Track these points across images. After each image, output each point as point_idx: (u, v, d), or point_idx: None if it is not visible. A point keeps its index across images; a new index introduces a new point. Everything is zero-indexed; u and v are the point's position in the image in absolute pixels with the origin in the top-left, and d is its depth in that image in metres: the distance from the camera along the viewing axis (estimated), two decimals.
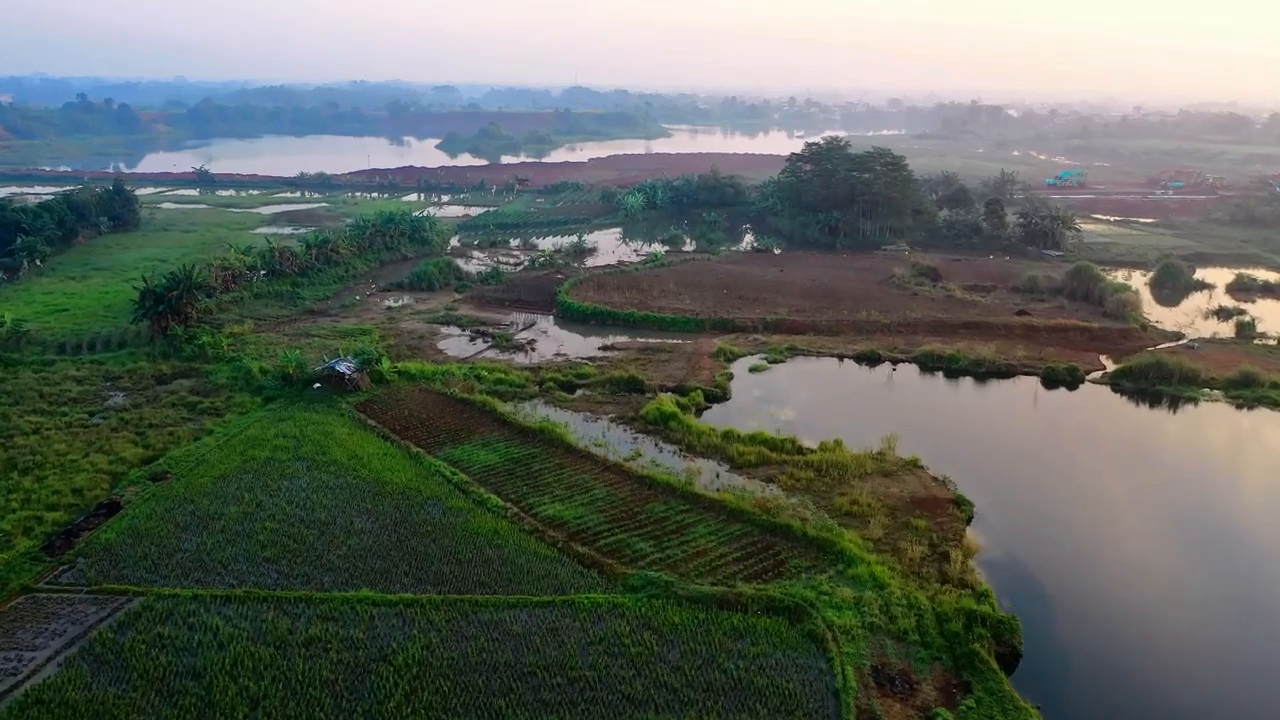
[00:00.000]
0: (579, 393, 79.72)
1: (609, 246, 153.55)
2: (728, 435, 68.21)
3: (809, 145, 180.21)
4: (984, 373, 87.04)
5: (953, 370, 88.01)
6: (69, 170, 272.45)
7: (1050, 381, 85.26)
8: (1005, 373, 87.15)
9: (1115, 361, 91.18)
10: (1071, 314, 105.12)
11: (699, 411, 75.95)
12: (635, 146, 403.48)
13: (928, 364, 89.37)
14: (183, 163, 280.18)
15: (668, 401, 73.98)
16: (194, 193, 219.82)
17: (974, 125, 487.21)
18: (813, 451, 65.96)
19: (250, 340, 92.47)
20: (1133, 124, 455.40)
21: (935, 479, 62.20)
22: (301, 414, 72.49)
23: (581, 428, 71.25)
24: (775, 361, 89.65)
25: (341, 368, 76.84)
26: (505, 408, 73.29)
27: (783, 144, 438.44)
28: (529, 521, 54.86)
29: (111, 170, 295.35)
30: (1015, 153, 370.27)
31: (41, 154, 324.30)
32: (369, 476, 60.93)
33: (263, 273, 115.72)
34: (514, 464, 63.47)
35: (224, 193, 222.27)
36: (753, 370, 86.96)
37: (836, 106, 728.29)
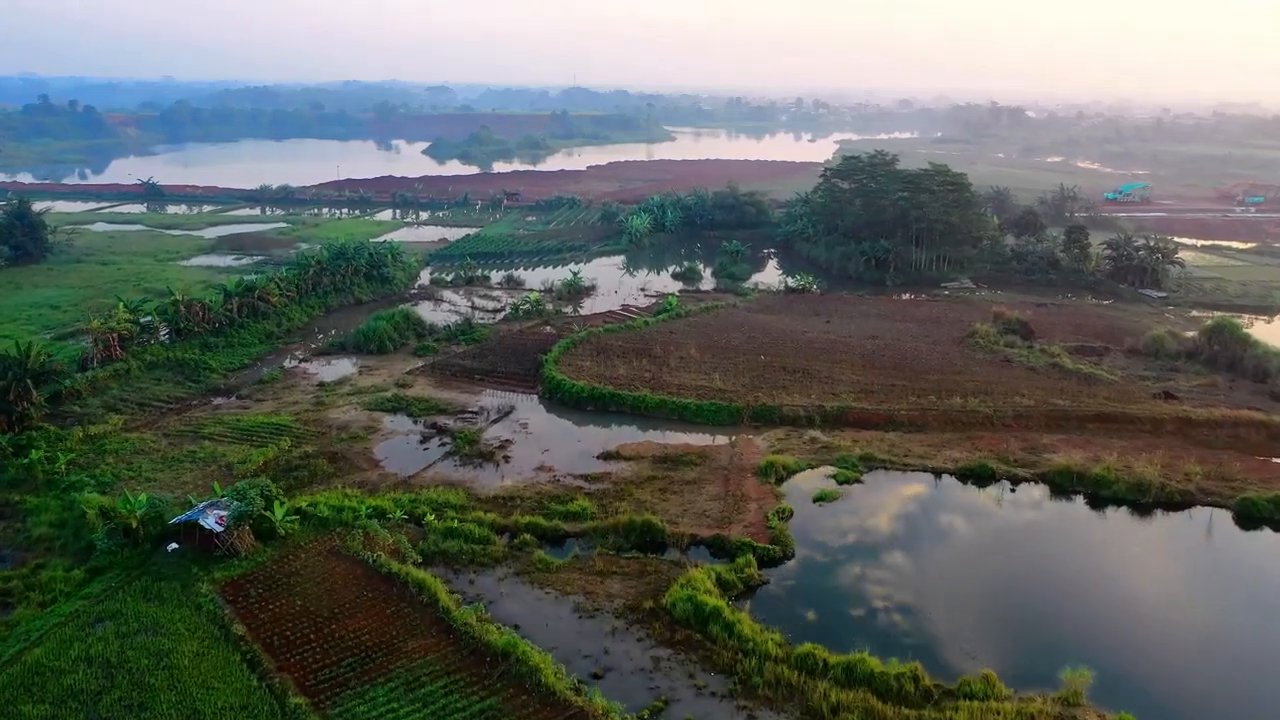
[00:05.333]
0: (569, 550, 53.65)
1: (610, 282, 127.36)
2: (807, 664, 42.10)
3: (846, 159, 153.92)
4: (1148, 504, 60.96)
5: (1100, 497, 62.00)
6: (15, 181, 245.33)
7: (1247, 519, 59.29)
8: (1178, 503, 61.06)
9: None
10: (1227, 394, 79.18)
11: (750, 588, 49.98)
12: (637, 152, 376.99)
13: (1063, 485, 63.28)
14: (153, 170, 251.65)
15: (704, 585, 47.87)
16: (139, 209, 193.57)
17: (995, 128, 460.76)
18: (950, 701, 39.99)
19: (112, 448, 66.22)
20: (1167, 127, 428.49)
21: None
22: (136, 607, 46.54)
23: (571, 634, 45.31)
24: (847, 481, 63.54)
25: (208, 522, 50.80)
26: (452, 599, 47.10)
27: (795, 149, 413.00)
28: None
29: (77, 178, 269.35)
30: (1050, 159, 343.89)
31: None
32: None
33: (164, 333, 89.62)
34: None
35: (174, 208, 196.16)
36: (819, 500, 60.80)
37: (846, 108, 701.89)
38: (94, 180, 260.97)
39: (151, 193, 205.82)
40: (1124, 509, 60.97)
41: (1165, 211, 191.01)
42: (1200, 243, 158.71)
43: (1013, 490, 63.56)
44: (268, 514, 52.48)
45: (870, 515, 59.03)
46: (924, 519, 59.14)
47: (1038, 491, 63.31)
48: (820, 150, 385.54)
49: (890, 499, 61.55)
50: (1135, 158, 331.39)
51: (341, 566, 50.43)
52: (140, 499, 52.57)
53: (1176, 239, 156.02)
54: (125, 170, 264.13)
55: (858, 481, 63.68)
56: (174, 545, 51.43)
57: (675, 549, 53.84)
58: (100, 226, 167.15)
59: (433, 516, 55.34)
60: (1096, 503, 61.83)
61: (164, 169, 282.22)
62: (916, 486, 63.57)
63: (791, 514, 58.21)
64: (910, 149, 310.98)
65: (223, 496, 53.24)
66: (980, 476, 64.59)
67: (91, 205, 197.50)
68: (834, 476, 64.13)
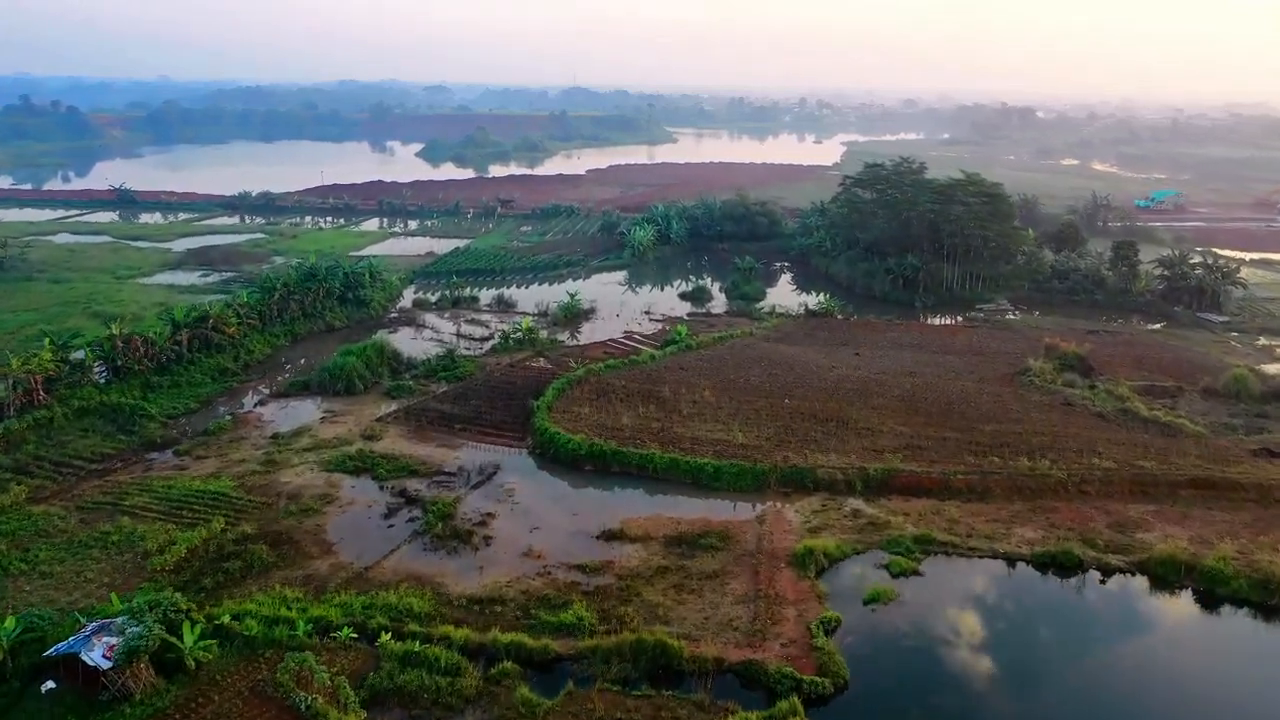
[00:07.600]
0: (562, 680, 42.04)
1: (611, 303, 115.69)
2: None
3: (869, 166, 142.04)
4: (1276, 606, 49.48)
5: (1216, 594, 50.55)
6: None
7: None
8: None
9: None
10: None
11: None
12: (638, 154, 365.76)
13: (1165, 579, 51.78)
14: (137, 173, 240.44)
15: None
16: (109, 217, 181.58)
17: (1005, 129, 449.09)
18: None
19: (8, 528, 54.67)
20: (1183, 128, 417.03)
21: None
22: None
23: None
24: (903, 572, 52.05)
25: (93, 655, 39.34)
26: None
27: (800, 150, 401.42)
28: None
29: (59, 181, 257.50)
30: (1064, 161, 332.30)
31: None
32: None
33: (100, 371, 78.16)
34: None
35: (147, 217, 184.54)
36: (870, 602, 49.27)
37: (850, 109, 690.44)
38: (76, 184, 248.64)
39: (123, 200, 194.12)
40: (1244, 611, 49.60)
41: (1203, 220, 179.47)
42: (1248, 256, 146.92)
43: (1103, 582, 52.15)
44: (174, 639, 40.94)
45: (937, 624, 47.47)
46: (1006, 629, 47.63)
47: (1132, 584, 51.87)
48: (827, 152, 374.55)
49: (958, 600, 49.99)
50: (1152, 160, 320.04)
51: (264, 716, 38.88)
52: (8, 623, 40.99)
53: (1220, 251, 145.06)
54: (107, 173, 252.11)
55: (915, 573, 52.15)
56: (50, 684, 39.94)
57: (696, 677, 42.36)
58: (62, 238, 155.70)
59: (388, 636, 43.73)
60: (1209, 601, 50.45)
61: (149, 172, 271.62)
62: (987, 580, 52.08)
63: (839, 623, 46.71)
64: (918, 151, 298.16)
65: (119, 614, 41.72)
66: (1061, 565, 53.11)
67: (59, 213, 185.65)
68: (886, 566, 52.64)
